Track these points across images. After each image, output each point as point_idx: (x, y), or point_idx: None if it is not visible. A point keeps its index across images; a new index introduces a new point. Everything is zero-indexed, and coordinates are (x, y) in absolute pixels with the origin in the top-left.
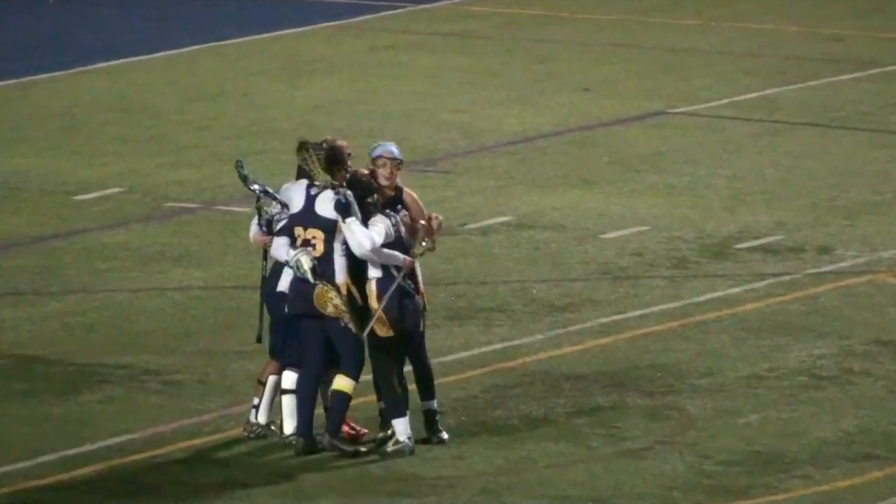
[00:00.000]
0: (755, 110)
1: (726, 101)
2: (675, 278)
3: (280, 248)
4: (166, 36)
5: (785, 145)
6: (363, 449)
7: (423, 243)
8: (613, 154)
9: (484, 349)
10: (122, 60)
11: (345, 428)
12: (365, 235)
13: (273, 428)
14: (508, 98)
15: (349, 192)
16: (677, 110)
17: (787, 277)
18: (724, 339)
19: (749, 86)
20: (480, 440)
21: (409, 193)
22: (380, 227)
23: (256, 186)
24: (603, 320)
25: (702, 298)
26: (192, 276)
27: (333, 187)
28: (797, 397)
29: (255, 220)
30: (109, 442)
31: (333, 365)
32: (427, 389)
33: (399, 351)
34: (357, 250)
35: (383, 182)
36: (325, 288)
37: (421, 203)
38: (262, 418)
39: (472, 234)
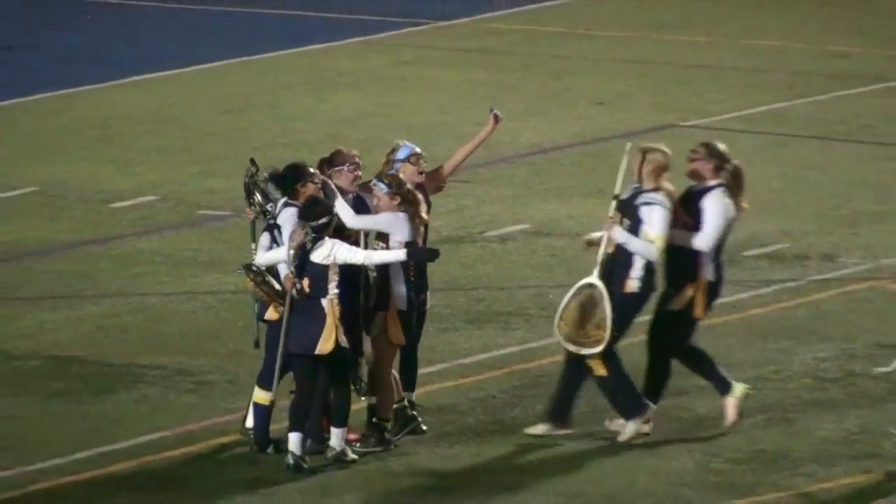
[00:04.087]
0: (763, 123)
1: (735, 114)
2: None
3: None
4: (198, 51)
5: (791, 157)
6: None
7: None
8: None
9: (502, 351)
10: (157, 74)
11: (351, 436)
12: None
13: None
14: (526, 111)
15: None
16: (688, 123)
17: (792, 284)
18: (732, 342)
19: (757, 100)
20: (498, 438)
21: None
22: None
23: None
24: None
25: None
26: (222, 280)
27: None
28: (801, 398)
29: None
30: (143, 439)
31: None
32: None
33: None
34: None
35: (418, 178)
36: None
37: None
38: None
39: (491, 242)
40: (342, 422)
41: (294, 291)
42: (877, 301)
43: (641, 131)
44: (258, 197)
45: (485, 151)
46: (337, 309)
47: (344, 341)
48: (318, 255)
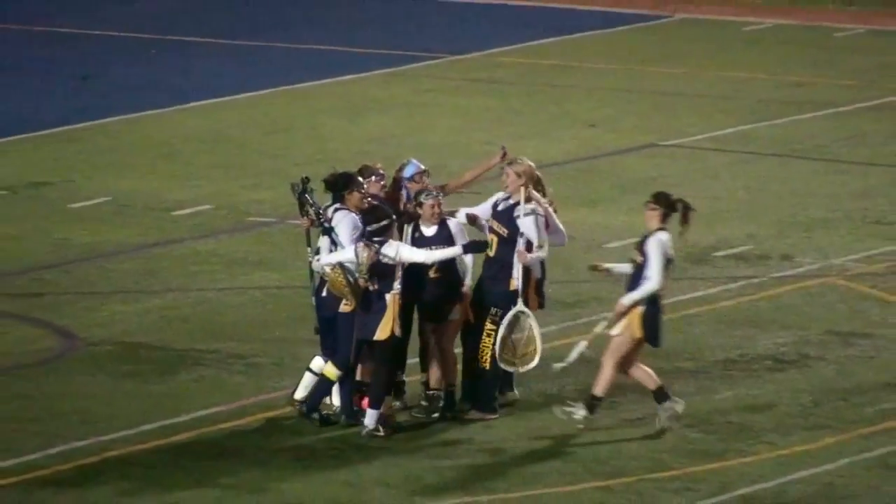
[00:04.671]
0: (731, 143)
1: (707, 135)
2: None
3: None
4: (248, 80)
5: (755, 172)
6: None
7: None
8: (614, 179)
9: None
10: (211, 100)
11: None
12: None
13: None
14: (528, 132)
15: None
16: (667, 143)
17: (755, 280)
18: (704, 330)
19: (726, 123)
20: (505, 412)
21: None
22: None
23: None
24: (606, 314)
25: (686, 297)
26: (269, 277)
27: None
28: (763, 378)
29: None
30: (200, 413)
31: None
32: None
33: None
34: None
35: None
36: (336, 272)
37: None
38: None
39: None
40: (378, 404)
41: (370, 287)
42: (828, 295)
43: (627, 150)
44: (311, 208)
45: None
46: (398, 303)
47: (398, 331)
48: (386, 256)
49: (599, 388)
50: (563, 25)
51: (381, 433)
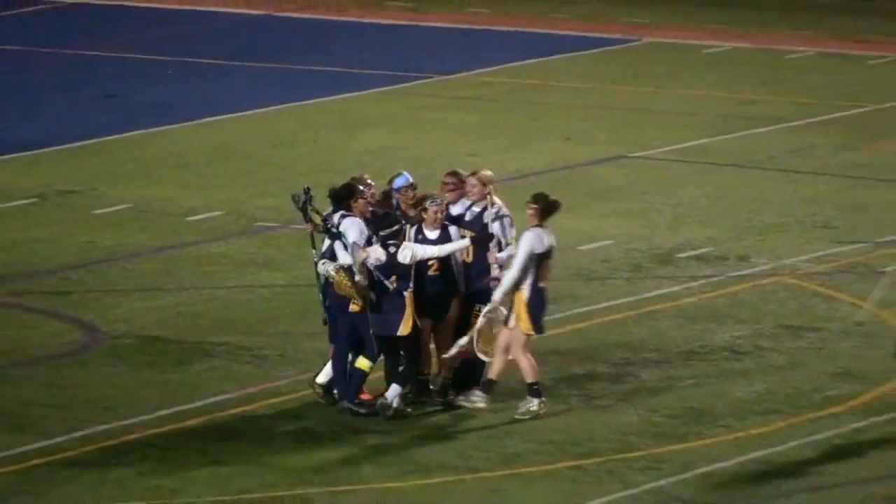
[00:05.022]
0: (692, 155)
1: (671, 147)
2: (632, 279)
3: (327, 263)
4: (256, 98)
5: (714, 181)
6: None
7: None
8: (586, 187)
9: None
10: (223, 116)
11: (365, 396)
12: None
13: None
14: (509, 145)
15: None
16: (634, 155)
17: (714, 279)
18: (668, 324)
19: (687, 137)
20: (488, 399)
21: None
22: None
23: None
24: (579, 310)
25: (651, 294)
26: (274, 277)
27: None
28: (721, 367)
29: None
30: (211, 400)
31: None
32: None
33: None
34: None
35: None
36: (341, 276)
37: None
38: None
39: None
40: (404, 384)
41: (388, 286)
42: (780, 292)
43: (599, 161)
44: (317, 215)
45: None
46: (412, 299)
47: (418, 323)
48: (403, 258)
49: (529, 377)
50: (541, 49)
51: (392, 410)
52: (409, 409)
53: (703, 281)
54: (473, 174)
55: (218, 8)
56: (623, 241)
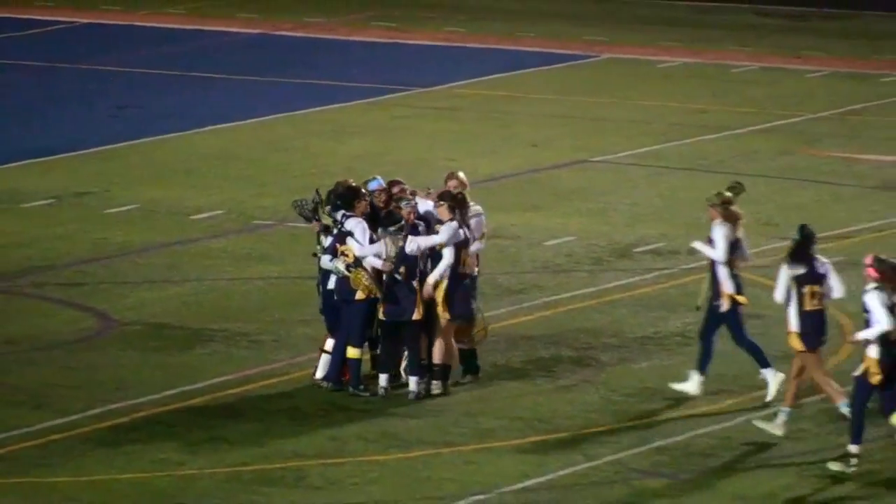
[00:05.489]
0: (647, 160)
1: (628, 153)
2: (593, 271)
3: (325, 259)
4: (255, 108)
5: (667, 183)
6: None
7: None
8: (552, 188)
9: None
10: (225, 125)
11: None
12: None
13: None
14: (482, 151)
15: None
16: (596, 159)
17: (668, 271)
18: (625, 312)
19: (643, 143)
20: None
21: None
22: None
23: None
24: (545, 299)
25: (611, 285)
26: (269, 270)
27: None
28: (674, 351)
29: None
30: (213, 381)
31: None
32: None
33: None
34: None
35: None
36: (358, 273)
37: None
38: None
39: None
40: (422, 372)
41: (398, 276)
42: None
43: (563, 164)
44: (324, 215)
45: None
46: (419, 289)
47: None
48: (410, 250)
49: (442, 358)
50: (511, 63)
51: (414, 394)
52: (427, 387)
53: (657, 273)
54: (450, 178)
55: (220, 28)
56: (585, 237)
